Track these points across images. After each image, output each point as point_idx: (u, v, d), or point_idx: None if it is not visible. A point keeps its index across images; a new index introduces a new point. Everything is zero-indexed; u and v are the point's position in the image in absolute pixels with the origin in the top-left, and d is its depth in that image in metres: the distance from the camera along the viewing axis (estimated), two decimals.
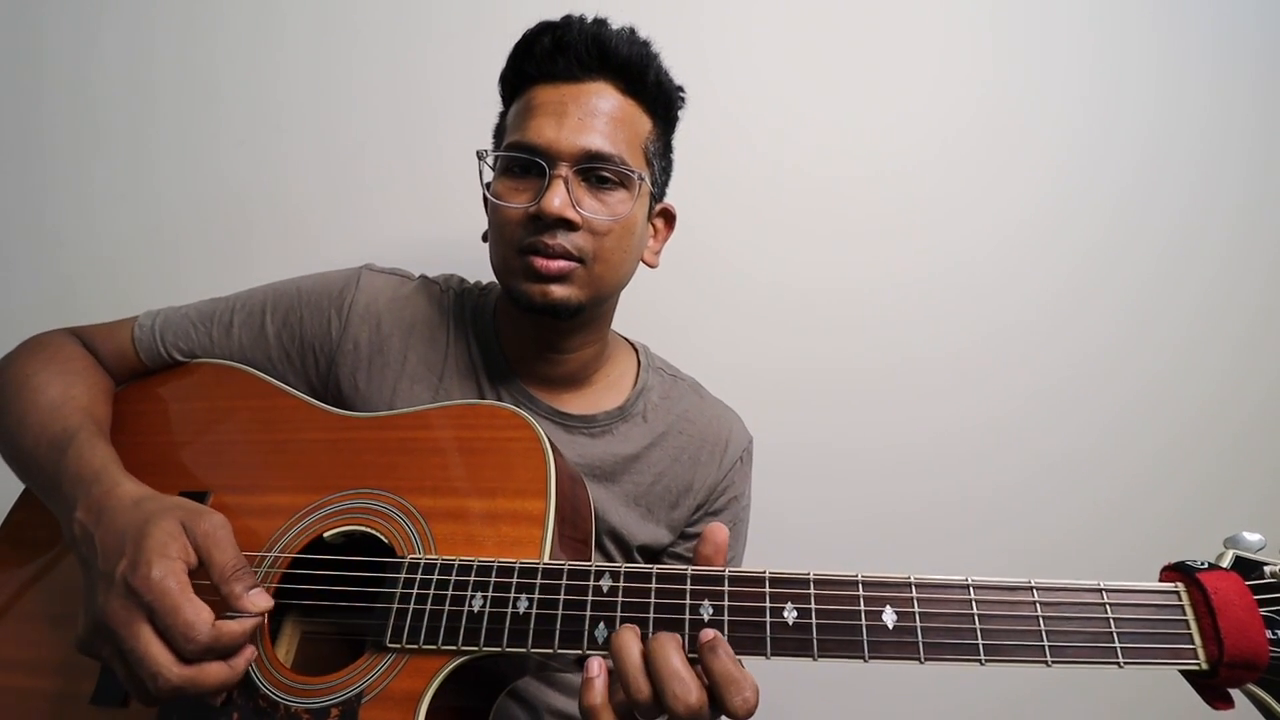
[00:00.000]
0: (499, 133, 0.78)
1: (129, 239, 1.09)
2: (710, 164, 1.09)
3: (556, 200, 0.68)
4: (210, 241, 1.10)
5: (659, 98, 0.76)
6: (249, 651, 0.53)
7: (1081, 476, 1.11)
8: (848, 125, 1.11)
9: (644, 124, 0.75)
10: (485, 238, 0.78)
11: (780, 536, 1.06)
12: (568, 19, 0.73)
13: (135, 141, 1.09)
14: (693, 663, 0.50)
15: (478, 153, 0.75)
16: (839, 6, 1.11)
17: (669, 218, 0.83)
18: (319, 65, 1.09)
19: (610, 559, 0.79)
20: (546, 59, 0.72)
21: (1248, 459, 1.10)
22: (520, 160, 0.71)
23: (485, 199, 0.76)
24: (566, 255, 0.70)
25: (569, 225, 0.69)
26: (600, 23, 0.73)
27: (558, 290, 0.71)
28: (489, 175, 0.76)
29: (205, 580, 0.53)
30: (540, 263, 0.69)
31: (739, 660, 0.50)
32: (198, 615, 0.50)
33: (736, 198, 1.11)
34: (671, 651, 0.49)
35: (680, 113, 0.80)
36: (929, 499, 1.11)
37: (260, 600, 0.54)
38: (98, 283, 1.09)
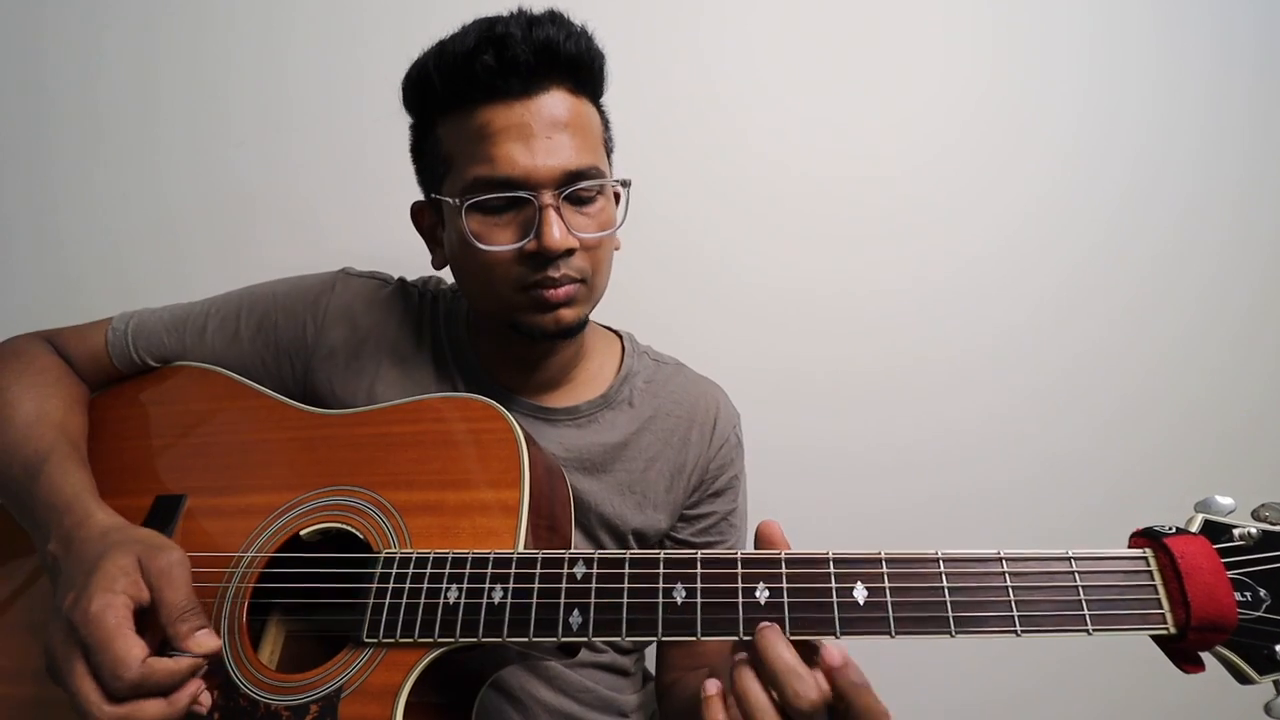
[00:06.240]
0: (434, 161, 0.71)
1: (131, 239, 1.08)
2: (708, 165, 1.08)
3: (557, 233, 0.64)
4: (214, 241, 1.08)
5: (601, 83, 0.71)
6: (192, 687, 0.51)
7: (1079, 475, 1.11)
8: (846, 125, 1.09)
9: (595, 118, 0.71)
10: (437, 265, 0.76)
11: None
12: (505, 30, 0.64)
13: (138, 140, 1.08)
14: None
15: (448, 203, 0.69)
16: (837, 3, 1.09)
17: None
18: (324, 63, 1.07)
19: (603, 549, 0.77)
20: (494, 78, 0.64)
21: (1246, 454, 1.11)
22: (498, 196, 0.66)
23: (441, 239, 0.74)
24: (570, 279, 0.68)
25: (569, 251, 0.66)
26: (535, 22, 0.65)
27: (567, 314, 0.69)
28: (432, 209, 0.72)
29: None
30: (550, 293, 0.67)
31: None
32: (128, 652, 0.48)
33: (736, 198, 1.09)
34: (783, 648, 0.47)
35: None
36: (925, 499, 1.11)
37: (206, 641, 0.52)
38: (100, 283, 1.08)
